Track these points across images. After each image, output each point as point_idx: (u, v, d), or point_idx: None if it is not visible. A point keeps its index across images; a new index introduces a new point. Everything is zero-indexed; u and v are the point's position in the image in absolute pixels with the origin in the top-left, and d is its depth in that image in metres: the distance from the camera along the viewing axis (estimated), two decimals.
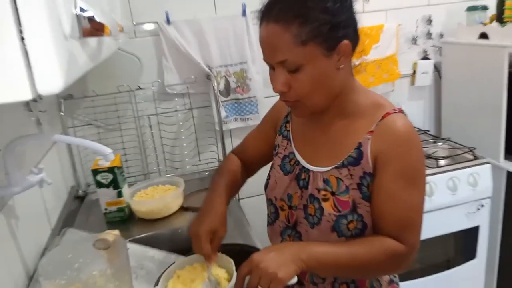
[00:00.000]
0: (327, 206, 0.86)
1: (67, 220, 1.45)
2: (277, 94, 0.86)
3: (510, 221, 1.88)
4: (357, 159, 0.84)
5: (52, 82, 0.37)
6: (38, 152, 1.34)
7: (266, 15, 0.79)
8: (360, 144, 0.84)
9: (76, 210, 1.58)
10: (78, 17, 0.44)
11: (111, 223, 1.46)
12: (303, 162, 0.93)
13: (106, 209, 1.45)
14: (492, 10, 1.88)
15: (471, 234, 1.87)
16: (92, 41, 0.54)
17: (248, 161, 1.10)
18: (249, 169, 1.11)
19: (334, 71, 0.81)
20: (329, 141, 0.90)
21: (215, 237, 0.90)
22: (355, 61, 0.89)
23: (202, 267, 0.90)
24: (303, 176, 0.92)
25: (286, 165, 0.97)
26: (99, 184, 1.43)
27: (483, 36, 1.85)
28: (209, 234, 0.89)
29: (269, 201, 1.02)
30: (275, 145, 1.03)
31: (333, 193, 0.86)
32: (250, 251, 0.87)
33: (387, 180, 0.82)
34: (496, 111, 1.79)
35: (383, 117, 0.84)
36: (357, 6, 0.84)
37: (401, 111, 0.86)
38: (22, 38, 0.36)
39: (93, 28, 0.47)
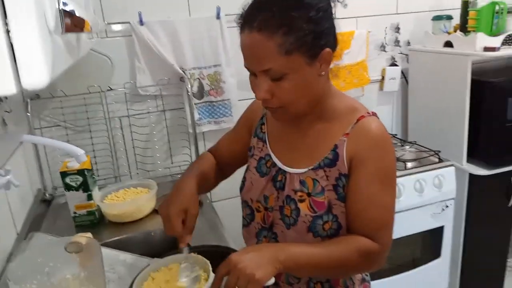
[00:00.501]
0: (303, 207, 0.88)
1: (34, 224, 1.39)
2: (253, 97, 0.86)
3: (472, 221, 1.97)
4: (333, 161, 0.86)
5: (37, 77, 0.36)
6: (4, 153, 1.29)
7: (248, 23, 0.78)
8: (336, 146, 0.87)
9: (43, 214, 1.52)
10: (60, 12, 0.43)
11: (81, 227, 1.41)
12: (280, 164, 0.94)
13: (75, 213, 1.41)
14: (457, 20, 1.97)
15: (436, 234, 1.95)
16: (72, 37, 0.53)
17: (223, 162, 1.10)
18: (224, 169, 1.11)
19: (316, 78, 0.83)
20: (305, 143, 0.92)
21: (188, 216, 0.89)
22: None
23: (177, 268, 0.89)
24: (279, 178, 0.93)
25: (262, 167, 0.98)
26: (68, 187, 1.38)
27: (448, 44, 1.93)
28: (181, 213, 0.88)
29: (245, 203, 1.02)
30: (250, 146, 1.03)
31: (309, 194, 0.88)
32: (226, 252, 0.87)
33: (362, 181, 0.84)
34: (459, 116, 1.88)
35: (358, 120, 0.87)
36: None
37: (374, 114, 0.89)
38: (8, 31, 0.35)
39: (73, 24, 0.46)
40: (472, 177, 1.90)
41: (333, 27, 0.83)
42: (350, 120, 0.87)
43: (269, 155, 0.97)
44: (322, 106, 0.89)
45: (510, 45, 1.79)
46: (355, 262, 0.84)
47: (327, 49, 0.80)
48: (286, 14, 0.76)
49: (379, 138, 0.85)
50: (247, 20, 0.79)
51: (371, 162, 0.84)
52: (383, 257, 0.86)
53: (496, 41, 1.76)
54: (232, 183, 1.16)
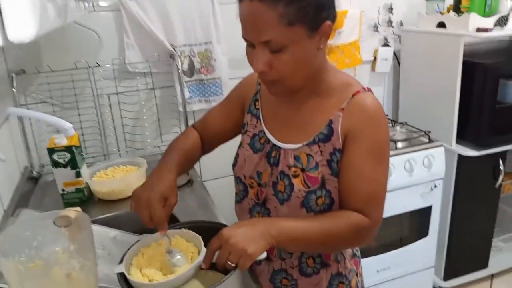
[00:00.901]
0: (297, 183, 0.87)
1: (21, 201, 1.37)
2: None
3: (459, 201, 2.01)
4: (327, 136, 0.86)
5: (24, 30, 0.34)
6: None
7: None
8: (331, 121, 0.86)
9: (30, 191, 1.50)
10: None
11: (69, 205, 1.39)
12: (274, 140, 0.93)
13: (63, 190, 1.39)
14: (450, 1, 1.95)
15: (424, 213, 1.98)
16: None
17: (208, 136, 1.06)
18: (208, 145, 1.08)
19: (315, 52, 0.81)
20: (300, 119, 0.91)
21: (166, 205, 0.85)
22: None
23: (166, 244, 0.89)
24: (273, 154, 0.92)
25: (255, 143, 0.96)
26: (56, 164, 1.35)
27: (441, 25, 1.92)
28: (162, 200, 0.84)
29: (238, 179, 1.01)
30: (244, 123, 1.02)
31: (303, 170, 0.87)
32: (217, 227, 0.86)
33: (356, 156, 0.84)
34: (450, 97, 1.88)
35: (354, 95, 0.86)
36: None
37: (369, 90, 0.89)
38: None
39: None
40: (460, 157, 1.92)
41: (333, 1, 0.82)
42: (345, 95, 0.86)
43: (263, 132, 0.96)
44: (317, 80, 0.88)
45: (502, 26, 1.79)
46: (345, 237, 0.84)
47: (328, 22, 0.79)
48: None
49: (374, 114, 0.85)
50: None
51: (365, 138, 0.84)
52: (374, 232, 0.87)
53: (489, 22, 1.76)
54: (223, 162, 1.15)
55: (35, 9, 0.35)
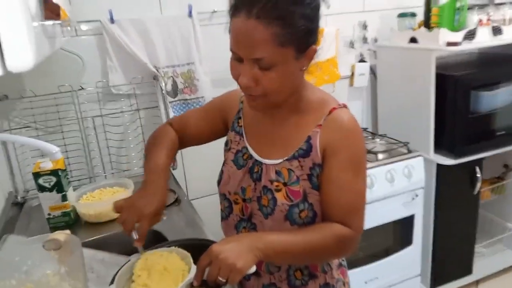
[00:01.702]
0: (279, 197, 0.90)
1: (6, 227, 1.36)
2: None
3: (440, 209, 2.06)
4: (307, 151, 0.90)
5: (22, 59, 0.36)
6: None
7: (246, 8, 0.78)
8: (309, 137, 0.90)
9: (15, 217, 1.48)
10: None
11: (55, 229, 1.38)
12: (256, 156, 0.96)
13: (49, 214, 1.38)
14: (420, 17, 2.05)
15: (407, 222, 2.02)
16: (49, 26, 0.53)
17: (185, 135, 1.07)
18: (183, 143, 1.08)
19: (298, 72, 0.86)
20: (281, 135, 0.94)
21: (154, 220, 0.87)
22: None
23: (159, 258, 0.89)
24: (256, 169, 0.95)
25: (239, 160, 0.99)
26: (41, 188, 1.35)
27: (413, 40, 2.01)
28: (152, 217, 0.86)
29: (223, 196, 1.03)
30: (227, 140, 1.05)
31: (285, 184, 0.90)
32: (206, 244, 0.88)
33: (335, 169, 0.87)
34: (426, 109, 1.96)
35: (330, 111, 0.90)
36: None
37: (345, 106, 0.93)
38: None
39: (49, 10, 0.46)
40: (439, 166, 1.98)
41: (319, 27, 0.86)
42: (322, 111, 0.91)
43: (246, 148, 0.99)
44: (297, 98, 0.92)
45: (470, 40, 1.88)
46: (330, 248, 0.87)
47: (314, 47, 0.84)
48: (286, 7, 0.77)
49: (351, 129, 0.89)
50: (245, 5, 0.78)
51: (343, 152, 0.88)
52: (356, 241, 0.90)
53: (458, 36, 1.85)
54: (209, 181, 1.16)
55: (32, 38, 0.38)
